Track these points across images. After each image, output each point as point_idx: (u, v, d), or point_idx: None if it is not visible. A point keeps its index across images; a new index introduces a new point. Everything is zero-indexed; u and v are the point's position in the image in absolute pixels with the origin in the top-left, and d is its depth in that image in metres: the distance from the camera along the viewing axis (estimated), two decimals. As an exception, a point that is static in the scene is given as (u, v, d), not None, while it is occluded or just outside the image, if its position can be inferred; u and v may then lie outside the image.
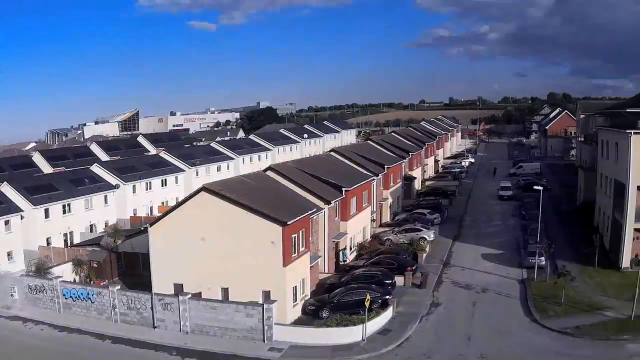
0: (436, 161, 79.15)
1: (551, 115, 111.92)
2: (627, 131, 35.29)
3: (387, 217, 52.34)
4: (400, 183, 57.89)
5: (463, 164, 79.99)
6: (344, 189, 39.55)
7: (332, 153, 52.71)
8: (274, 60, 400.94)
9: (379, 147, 61.52)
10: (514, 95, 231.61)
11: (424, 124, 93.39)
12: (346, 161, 49.93)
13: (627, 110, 38.05)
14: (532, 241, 38.52)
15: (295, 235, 30.00)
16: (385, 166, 52.34)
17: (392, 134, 74.40)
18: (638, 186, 35.27)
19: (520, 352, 25.59)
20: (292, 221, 29.14)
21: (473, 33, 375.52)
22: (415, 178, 63.73)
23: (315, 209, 34.18)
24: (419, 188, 65.06)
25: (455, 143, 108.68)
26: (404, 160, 59.72)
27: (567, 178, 65.31)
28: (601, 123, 47.73)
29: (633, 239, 35.92)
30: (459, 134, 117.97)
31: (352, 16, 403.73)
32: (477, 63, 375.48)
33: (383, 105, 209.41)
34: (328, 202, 36.82)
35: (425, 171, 71.76)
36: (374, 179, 47.69)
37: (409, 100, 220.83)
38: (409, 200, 58.77)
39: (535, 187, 38.69)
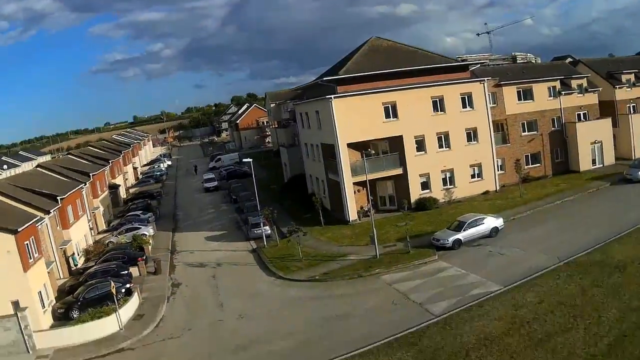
0: (134, 169, 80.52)
1: (240, 111, 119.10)
2: (327, 97, 40.40)
3: (102, 225, 52.32)
4: (107, 192, 58.01)
5: (162, 167, 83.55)
6: (59, 198, 39.00)
7: (38, 168, 50.81)
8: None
9: (80, 159, 60.14)
10: (197, 104, 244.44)
11: (114, 137, 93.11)
12: (53, 174, 48.20)
13: (324, 79, 41.96)
14: (251, 216, 43.07)
15: (27, 242, 29.15)
16: (91, 174, 51.99)
17: (89, 147, 72.58)
18: (347, 143, 40.70)
19: (278, 305, 28.13)
20: (22, 228, 28.19)
21: (148, 53, 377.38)
22: (120, 185, 64.22)
23: (38, 217, 33.29)
24: (125, 196, 65.82)
25: (148, 151, 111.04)
26: (106, 167, 59.99)
27: (268, 162, 72.57)
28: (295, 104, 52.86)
29: (355, 192, 41.60)
30: (150, 142, 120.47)
31: (31, 52, 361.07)
32: (155, 81, 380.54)
33: (70, 133, 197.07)
34: (47, 212, 36.11)
35: (126, 179, 72.50)
36: (82, 186, 47.41)
37: (94, 124, 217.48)
38: (119, 208, 59.31)
39: (242, 169, 43.73)
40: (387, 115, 42.11)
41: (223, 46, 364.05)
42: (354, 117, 40.72)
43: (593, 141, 49.61)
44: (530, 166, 48.97)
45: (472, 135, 44.69)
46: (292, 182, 56.56)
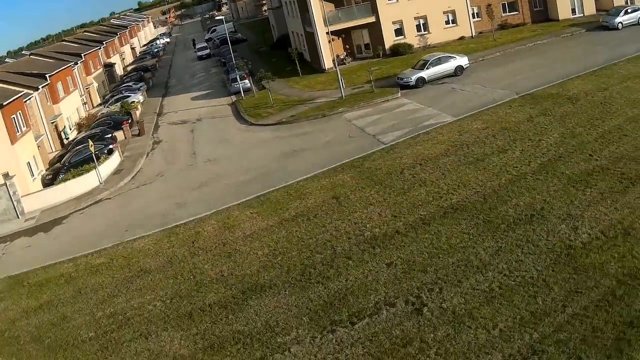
0: (132, 48, 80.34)
1: None
2: None
3: (97, 100, 53.66)
4: (101, 70, 58.68)
5: (159, 43, 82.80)
6: (47, 75, 40.47)
7: (31, 56, 51.68)
8: None
9: (73, 44, 61.71)
10: None
11: (112, 21, 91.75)
12: (45, 59, 49.53)
13: None
14: (232, 72, 43.70)
15: (14, 116, 30.67)
16: (82, 54, 52.68)
17: (84, 32, 72.91)
18: None
19: (245, 147, 29.21)
20: (7, 102, 29.68)
21: None
22: (115, 64, 64.69)
23: (23, 92, 34.44)
24: (122, 73, 66.36)
25: (148, 32, 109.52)
26: (100, 48, 60.08)
27: (261, 29, 71.41)
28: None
29: (329, 42, 39.96)
30: (150, 24, 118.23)
31: None
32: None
33: (76, 28, 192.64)
34: (36, 89, 37.68)
35: (123, 58, 72.81)
36: (73, 65, 48.22)
37: (99, 15, 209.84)
38: (115, 84, 60.12)
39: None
40: (357, -37, 40.03)
41: None
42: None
43: None
44: (508, 14, 46.14)
45: None
46: (278, 42, 56.76)
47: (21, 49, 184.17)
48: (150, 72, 59.89)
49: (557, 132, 21.35)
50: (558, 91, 26.46)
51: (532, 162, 19.28)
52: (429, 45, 42.35)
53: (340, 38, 42.46)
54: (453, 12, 43.08)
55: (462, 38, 43.26)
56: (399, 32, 42.35)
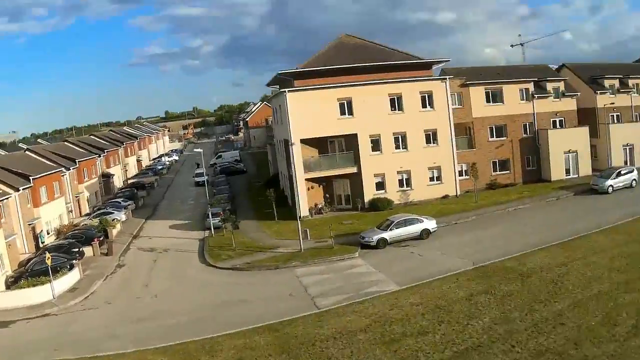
0: (138, 161, 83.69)
1: (253, 109, 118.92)
2: (282, 90, 41.07)
3: (86, 209, 55.09)
4: (97, 179, 60.92)
5: (164, 160, 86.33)
6: (31, 178, 42.33)
7: (27, 152, 53.65)
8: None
9: (74, 146, 63.44)
10: (231, 102, 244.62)
11: (126, 129, 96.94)
12: (40, 158, 51.48)
13: (281, 72, 41.94)
14: (212, 207, 44.36)
15: None
16: (77, 161, 55.00)
17: (91, 136, 76.01)
18: (302, 139, 40.86)
19: (192, 287, 29.85)
20: None
21: (186, 48, 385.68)
22: (113, 174, 67.11)
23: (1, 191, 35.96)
24: (120, 185, 68.73)
25: (163, 145, 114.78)
26: (99, 157, 62.93)
27: (265, 161, 73.03)
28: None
29: (308, 189, 42.01)
30: (167, 137, 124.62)
31: (68, 41, 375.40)
32: (193, 77, 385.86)
33: (101, 125, 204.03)
34: (16, 189, 39.38)
35: (127, 170, 75.71)
36: (63, 171, 50.25)
37: (126, 117, 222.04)
38: (110, 196, 62.12)
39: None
40: (342, 112, 42.23)
41: (262, 45, 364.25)
42: (309, 113, 40.97)
43: (567, 150, 47.71)
44: (498, 173, 47.81)
45: (431, 136, 44.22)
46: (273, 178, 57.76)
47: (45, 134, 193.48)
48: (146, 191, 61.96)
49: (490, 316, 20.85)
50: (514, 265, 26.65)
51: (447, 349, 18.61)
52: (410, 202, 43.08)
53: (321, 186, 43.61)
54: (438, 169, 44.24)
55: (446, 197, 43.95)
56: (380, 185, 43.20)
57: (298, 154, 41.21)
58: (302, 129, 41.27)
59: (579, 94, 50.60)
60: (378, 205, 41.73)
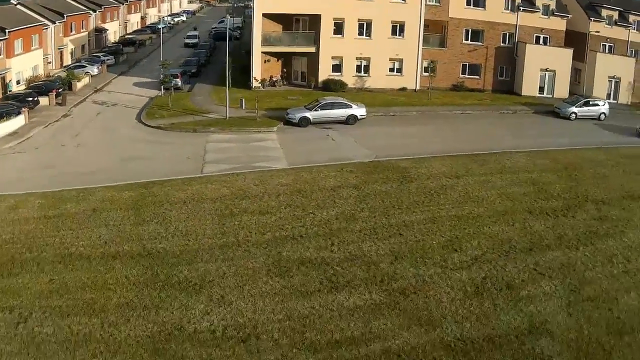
0: (142, 18, 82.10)
1: None
2: None
3: (69, 61, 55.60)
4: (87, 33, 60.56)
5: (168, 20, 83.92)
6: (7, 30, 42.08)
7: (18, 6, 52.21)
8: None
9: (72, 1, 62.40)
10: None
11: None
12: (29, 12, 50.45)
13: None
14: (175, 69, 44.53)
15: None
16: (65, 15, 54.55)
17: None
18: (263, 14, 40.08)
19: (114, 141, 30.58)
20: None
21: None
22: (107, 30, 66.54)
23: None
24: (116, 40, 68.24)
25: (180, 4, 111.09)
26: (94, 12, 62.12)
27: None
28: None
29: (265, 62, 41.34)
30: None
31: None
32: None
33: None
34: None
35: (126, 26, 74.79)
36: (46, 25, 50.11)
37: None
38: (100, 49, 62.21)
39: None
40: (309, -9, 40.37)
41: None
42: (276, -13, 39.42)
43: (545, 68, 44.43)
44: (467, 76, 45.26)
45: (398, 28, 42.13)
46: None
47: None
48: (134, 47, 61.43)
49: (338, 210, 20.34)
50: (409, 166, 25.74)
51: (270, 232, 18.72)
52: (366, 88, 42.02)
53: (280, 60, 42.86)
54: (401, 61, 42.72)
55: (404, 89, 42.71)
56: (337, 68, 42.12)
57: (258, 25, 40.72)
58: (267, 3, 39.98)
59: (570, 15, 46.67)
60: (330, 86, 40.96)
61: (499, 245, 17.85)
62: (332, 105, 32.58)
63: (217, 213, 20.26)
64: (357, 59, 41.86)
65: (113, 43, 64.71)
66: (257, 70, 41.25)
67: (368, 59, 41.99)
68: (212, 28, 75.89)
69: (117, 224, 19.66)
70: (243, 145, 28.94)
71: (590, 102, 39.52)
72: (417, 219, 19.76)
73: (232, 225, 19.21)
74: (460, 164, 26.19)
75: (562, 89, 44.52)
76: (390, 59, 42.31)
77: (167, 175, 24.41)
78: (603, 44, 48.95)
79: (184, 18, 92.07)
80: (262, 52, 41.14)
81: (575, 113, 38.39)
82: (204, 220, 19.71)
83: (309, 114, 32.10)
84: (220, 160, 26.46)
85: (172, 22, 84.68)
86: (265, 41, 40.93)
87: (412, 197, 21.84)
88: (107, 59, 53.39)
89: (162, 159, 27.11)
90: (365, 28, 41.65)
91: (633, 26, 50.64)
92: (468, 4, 44.02)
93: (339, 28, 41.32)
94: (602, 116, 39.07)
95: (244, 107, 34.58)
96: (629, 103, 45.69)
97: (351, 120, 32.64)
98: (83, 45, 59.64)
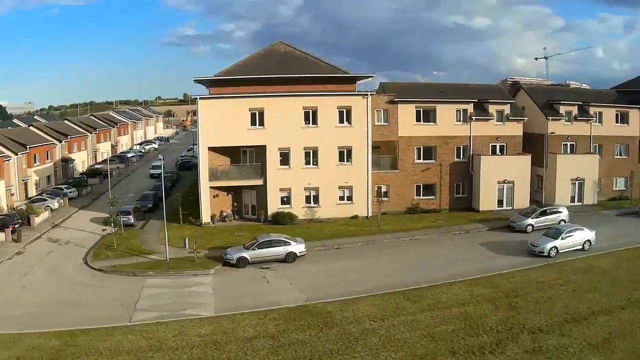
0: (112, 146, 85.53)
1: None
2: (195, 96, 42.13)
3: (33, 192, 57.02)
4: (52, 164, 62.80)
5: (137, 150, 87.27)
6: None
7: None
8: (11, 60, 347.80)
9: (39, 131, 65.60)
10: None
11: (111, 113, 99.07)
12: None
13: (196, 78, 42.01)
14: (129, 205, 46.15)
15: None
16: (28, 146, 56.91)
17: (65, 121, 77.91)
18: (209, 147, 41.34)
19: (56, 283, 31.01)
20: None
21: (219, 32, 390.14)
22: (74, 160, 69.15)
23: None
24: (83, 170, 70.52)
25: (155, 131, 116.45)
26: (58, 143, 64.93)
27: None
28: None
29: (214, 197, 42.23)
30: (160, 123, 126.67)
31: (97, 15, 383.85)
32: (223, 61, 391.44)
33: (119, 102, 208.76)
34: None
35: (95, 155, 77.76)
36: (8, 156, 52.21)
37: (146, 96, 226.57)
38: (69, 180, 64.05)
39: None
40: (253, 123, 42.08)
41: (295, 35, 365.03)
42: (220, 121, 41.24)
43: (502, 180, 44.89)
44: (422, 197, 45.76)
45: (345, 154, 43.40)
46: None
47: (51, 107, 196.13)
48: (99, 179, 63.48)
49: None
50: (335, 309, 25.43)
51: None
52: (317, 219, 42.54)
53: (229, 194, 43.99)
54: (350, 188, 43.26)
55: (355, 217, 43.04)
56: (286, 200, 42.85)
57: (204, 161, 41.99)
58: (212, 137, 41.64)
59: (526, 119, 47.56)
60: (279, 219, 41.71)
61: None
62: (269, 244, 33.05)
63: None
64: (305, 189, 42.50)
65: (81, 173, 66.92)
66: (206, 206, 42.08)
67: (317, 189, 42.60)
68: (181, 156, 79.32)
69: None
70: (175, 291, 29.28)
71: (548, 211, 39.21)
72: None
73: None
74: (392, 302, 26.07)
75: (522, 199, 44.51)
76: (340, 187, 42.93)
77: (97, 321, 24.74)
78: (564, 143, 48.70)
79: (155, 145, 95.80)
80: (210, 187, 41.99)
81: (532, 225, 37.89)
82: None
83: (247, 254, 32.54)
84: (150, 307, 26.76)
85: (143, 151, 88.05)
86: (213, 176, 41.94)
87: (328, 345, 21.56)
88: (70, 192, 55.09)
89: (97, 304, 27.49)
90: (311, 156, 42.68)
91: (595, 119, 49.54)
92: (418, 119, 44.85)
93: (285, 158, 42.33)
94: (562, 223, 37.94)
95: (187, 247, 35.28)
96: (595, 203, 45.62)
97: (290, 258, 33.01)
98: (49, 176, 61.77)
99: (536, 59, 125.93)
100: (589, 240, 33.90)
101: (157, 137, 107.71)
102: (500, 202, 45.06)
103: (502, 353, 20.37)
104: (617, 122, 50.52)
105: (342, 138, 42.84)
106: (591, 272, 29.73)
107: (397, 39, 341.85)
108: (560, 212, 39.64)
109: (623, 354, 19.96)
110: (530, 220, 38.36)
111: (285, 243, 33.44)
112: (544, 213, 39.13)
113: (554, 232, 33.91)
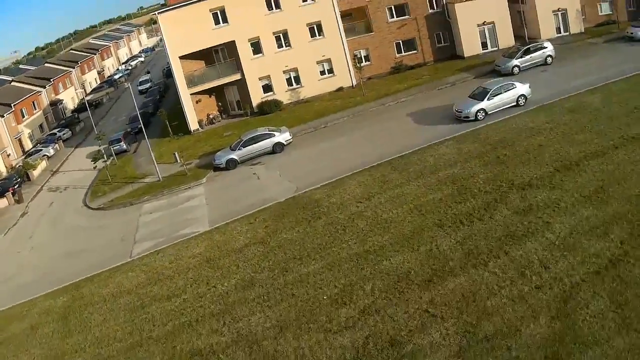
0: (99, 72, 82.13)
1: None
2: (155, 12, 40.34)
3: (29, 145, 56.09)
4: (41, 111, 60.88)
5: (123, 69, 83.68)
6: None
7: None
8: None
9: (21, 84, 63.17)
10: None
11: (91, 40, 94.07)
12: None
13: None
14: (119, 132, 44.43)
15: None
16: (12, 104, 54.95)
17: (45, 64, 74.07)
18: (179, 56, 39.56)
19: (60, 236, 30.22)
20: None
21: None
22: (62, 100, 66.73)
23: None
24: (74, 106, 68.48)
25: (139, 44, 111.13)
26: (43, 89, 62.42)
27: None
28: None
29: (197, 102, 40.59)
30: (143, 34, 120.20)
31: None
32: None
33: (102, 23, 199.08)
34: None
35: (83, 88, 74.90)
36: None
37: (128, 10, 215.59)
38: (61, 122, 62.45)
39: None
40: (217, 22, 39.79)
41: None
42: (184, 29, 38.97)
43: (481, 23, 41.35)
44: (404, 54, 42.96)
45: (316, 29, 40.60)
46: None
47: (38, 48, 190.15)
48: (90, 111, 61.25)
49: (238, 278, 19.42)
50: (322, 196, 24.05)
51: (172, 321, 18.22)
52: (302, 99, 40.88)
53: (212, 95, 41.88)
54: (329, 61, 41.08)
55: (340, 89, 41.11)
56: (268, 88, 40.97)
57: (178, 69, 40.20)
58: (180, 46, 39.66)
59: None
60: (265, 108, 40.09)
61: (394, 283, 16.40)
62: (254, 140, 31.52)
63: (129, 307, 20.04)
64: (284, 72, 40.63)
65: (72, 111, 65.05)
66: (191, 113, 40.69)
67: (295, 69, 40.72)
68: (167, 63, 75.02)
69: (48, 341, 19.92)
70: (170, 211, 28.26)
71: (532, 49, 36.39)
72: (314, 269, 18.55)
73: (139, 321, 18.93)
74: (379, 176, 24.61)
75: (506, 39, 41.66)
76: (318, 62, 40.84)
77: (101, 266, 24.32)
78: None
79: (142, 59, 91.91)
80: (190, 93, 40.36)
81: (518, 66, 35.54)
82: (118, 319, 19.55)
83: (234, 155, 31.16)
84: (148, 236, 25.96)
85: (130, 67, 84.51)
86: (190, 82, 40.27)
87: (316, 240, 20.56)
88: (63, 134, 53.66)
89: (98, 247, 26.83)
90: (282, 39, 40.37)
91: None
92: None
93: (256, 47, 40.25)
94: (549, 59, 36.15)
95: (179, 161, 33.80)
96: (582, 31, 42.42)
97: (278, 148, 31.67)
98: (41, 125, 60.18)
99: None
100: (523, 95, 29.66)
101: (143, 50, 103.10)
102: (484, 45, 42.13)
103: (490, 218, 18.72)
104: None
105: (308, 15, 40.11)
106: (583, 111, 26.34)
107: None
108: (546, 48, 36.58)
109: (617, 204, 17.70)
110: (515, 62, 35.73)
111: (270, 135, 31.86)
112: (527, 51, 36.24)
113: (480, 93, 29.84)
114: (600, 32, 41.71)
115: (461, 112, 29.20)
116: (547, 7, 41.74)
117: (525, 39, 41.23)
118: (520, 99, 29.42)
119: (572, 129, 24.58)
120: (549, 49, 36.59)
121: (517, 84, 29.80)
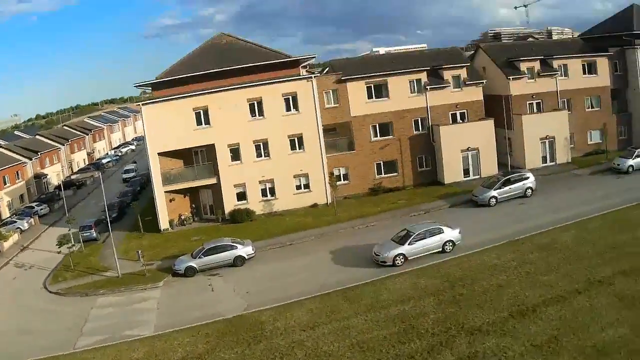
0: (89, 154, 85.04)
1: None
2: (138, 102, 42.91)
3: (7, 214, 57.17)
4: (24, 182, 62.80)
5: (112, 154, 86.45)
6: None
7: None
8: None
9: (8, 152, 65.54)
10: None
11: (86, 120, 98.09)
12: None
13: (137, 83, 43.18)
14: (91, 219, 45.84)
15: None
16: (-5, 172, 56.96)
17: (36, 137, 77.34)
18: (158, 153, 40.50)
19: (13, 313, 30.63)
20: None
21: (199, 17, 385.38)
22: (47, 175, 69.18)
23: None
24: (58, 183, 70.28)
25: (134, 130, 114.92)
26: (29, 161, 64.90)
27: None
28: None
29: (170, 200, 41.57)
30: (139, 121, 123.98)
31: (78, 19, 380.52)
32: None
33: (104, 102, 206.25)
34: None
35: (70, 166, 77.53)
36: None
37: (132, 92, 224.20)
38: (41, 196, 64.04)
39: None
40: (199, 122, 41.36)
41: (276, 12, 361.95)
42: (166, 125, 40.55)
43: (465, 148, 43.05)
44: (384, 176, 44.60)
45: (297, 142, 42.40)
46: None
47: (38, 116, 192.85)
48: (72, 190, 63.41)
49: None
50: (271, 318, 24.37)
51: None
52: (275, 212, 41.83)
53: (187, 196, 43.41)
54: (306, 176, 42.24)
55: (315, 205, 42.09)
56: (242, 196, 42.19)
57: (155, 166, 41.37)
58: (160, 142, 41.08)
59: (484, 81, 45.64)
60: (236, 217, 41.08)
61: None
62: (216, 250, 32.47)
63: None
64: (260, 182, 41.65)
65: (55, 187, 66.84)
66: (163, 211, 41.60)
67: (272, 180, 41.70)
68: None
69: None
70: (122, 309, 29.29)
71: (512, 180, 36.53)
72: None
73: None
74: (329, 305, 24.93)
75: (489, 167, 42.66)
76: (295, 176, 41.86)
77: (44, 351, 24.71)
78: (529, 102, 46.64)
79: (133, 147, 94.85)
80: (165, 191, 41.43)
81: (495, 197, 35.59)
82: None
83: (194, 263, 32.13)
84: (95, 330, 26.84)
85: (120, 154, 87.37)
86: (166, 180, 41.38)
87: None
88: (41, 209, 55.20)
89: (47, 330, 27.48)
90: (262, 148, 41.83)
91: (559, 72, 47.06)
92: (370, 96, 43.66)
93: (235, 154, 41.59)
94: (529, 191, 36.29)
95: (140, 260, 34.58)
96: (569, 160, 43.90)
97: (239, 262, 32.42)
98: (22, 195, 61.86)
99: (515, 7, 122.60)
100: (451, 241, 29.13)
101: (135, 138, 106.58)
102: (466, 172, 43.30)
103: (432, 363, 18.67)
104: (584, 73, 47.73)
105: (290, 126, 41.87)
106: (552, 250, 26.93)
107: (379, 2, 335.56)
108: (527, 179, 37.16)
109: (569, 356, 17.66)
110: (492, 193, 36.06)
111: (232, 247, 32.74)
112: (507, 182, 36.57)
113: (403, 237, 29.25)
114: (588, 162, 42.53)
115: (379, 255, 28.80)
116: (534, 135, 43.63)
117: (509, 168, 42.26)
118: (447, 245, 28.89)
119: (538, 268, 25.09)
120: (530, 180, 36.78)
121: (445, 228, 29.30)
